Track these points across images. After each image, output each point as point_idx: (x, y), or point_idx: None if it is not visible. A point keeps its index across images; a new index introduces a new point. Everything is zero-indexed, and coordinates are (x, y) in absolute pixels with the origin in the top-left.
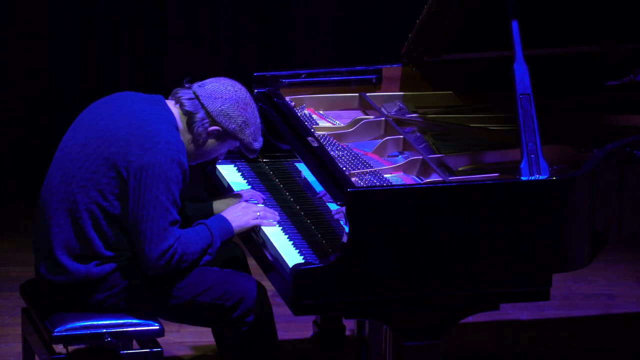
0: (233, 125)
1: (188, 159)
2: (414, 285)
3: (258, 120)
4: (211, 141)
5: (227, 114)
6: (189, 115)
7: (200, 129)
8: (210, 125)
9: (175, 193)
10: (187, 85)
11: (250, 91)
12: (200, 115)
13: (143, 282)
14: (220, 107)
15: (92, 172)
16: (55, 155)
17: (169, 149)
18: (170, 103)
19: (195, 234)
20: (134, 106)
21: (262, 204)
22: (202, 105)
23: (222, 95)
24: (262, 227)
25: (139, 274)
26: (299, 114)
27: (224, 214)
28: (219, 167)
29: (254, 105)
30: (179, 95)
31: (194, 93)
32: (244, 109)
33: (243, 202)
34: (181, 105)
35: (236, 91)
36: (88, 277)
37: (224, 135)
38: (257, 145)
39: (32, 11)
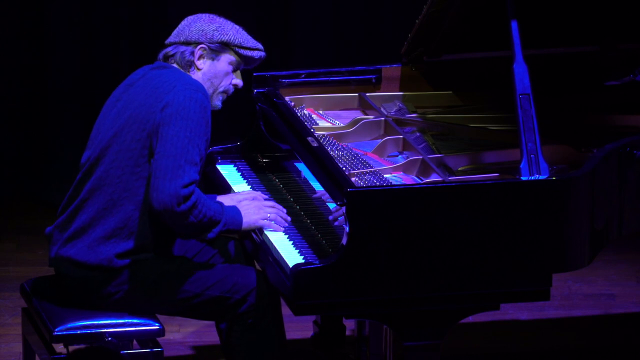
0: (209, 35)
1: (211, 101)
2: (414, 285)
3: (236, 26)
4: (206, 63)
5: (199, 30)
6: (179, 59)
7: (188, 57)
8: (194, 48)
9: (196, 131)
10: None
11: (250, 91)
12: (182, 49)
13: (155, 277)
14: (189, 30)
15: (120, 143)
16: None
17: (186, 88)
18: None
19: (211, 203)
20: (146, 77)
21: None
22: (179, 42)
23: (187, 24)
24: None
25: (151, 270)
26: (299, 114)
27: (238, 206)
28: (218, 167)
29: (222, 18)
30: (164, 54)
31: (169, 43)
32: (211, 21)
33: (256, 200)
34: (172, 58)
35: (196, 15)
36: (110, 263)
37: (211, 50)
38: (251, 44)
39: (32, 11)
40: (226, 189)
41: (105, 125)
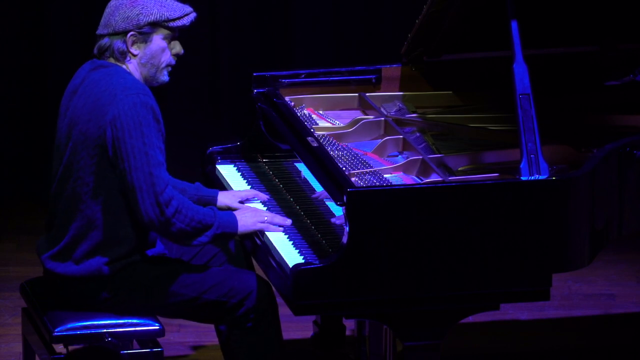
0: (135, 20)
1: (154, 81)
2: (414, 285)
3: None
4: (141, 48)
5: (124, 18)
6: (113, 52)
7: (121, 47)
8: (124, 38)
9: (150, 135)
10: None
11: (250, 91)
12: (113, 41)
13: (150, 280)
14: (115, 20)
15: (78, 161)
16: (54, 156)
17: (127, 95)
18: (109, 60)
19: (199, 207)
20: (85, 83)
21: (263, 203)
22: (108, 34)
23: (111, 12)
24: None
25: (146, 273)
26: (299, 114)
27: (234, 212)
28: (218, 167)
29: None
30: (98, 47)
31: (99, 36)
32: (133, 3)
33: (252, 206)
34: (107, 52)
35: (117, 1)
36: (100, 272)
37: (140, 34)
38: (178, 12)
39: (32, 11)
40: (226, 189)
41: (62, 140)
